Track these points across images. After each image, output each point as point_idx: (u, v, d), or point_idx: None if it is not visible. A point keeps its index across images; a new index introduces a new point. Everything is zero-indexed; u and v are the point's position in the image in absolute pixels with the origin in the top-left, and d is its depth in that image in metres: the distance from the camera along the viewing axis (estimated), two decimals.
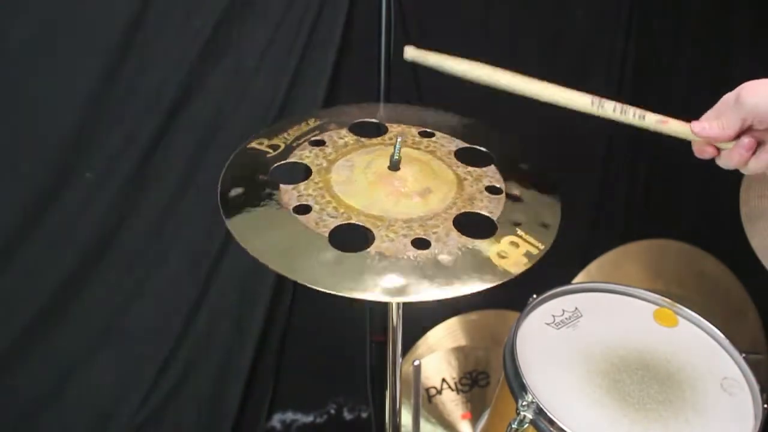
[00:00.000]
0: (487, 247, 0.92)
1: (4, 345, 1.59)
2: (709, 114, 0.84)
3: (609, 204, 2.07)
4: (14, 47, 1.43)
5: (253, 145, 1.12)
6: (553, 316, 1.13)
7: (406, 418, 1.42)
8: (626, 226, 2.08)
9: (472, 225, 0.97)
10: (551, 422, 0.95)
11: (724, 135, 0.81)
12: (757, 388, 1.03)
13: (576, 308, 1.15)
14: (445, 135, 1.15)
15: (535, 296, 1.15)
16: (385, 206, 0.98)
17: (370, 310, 1.55)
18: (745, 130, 0.81)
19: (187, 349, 1.72)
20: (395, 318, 1.13)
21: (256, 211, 0.98)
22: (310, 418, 1.98)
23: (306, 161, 1.08)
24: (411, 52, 0.99)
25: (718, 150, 0.84)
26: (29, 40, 1.43)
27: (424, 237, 0.93)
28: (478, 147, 1.12)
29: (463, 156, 1.10)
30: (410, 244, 0.92)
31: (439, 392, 1.67)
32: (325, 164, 1.07)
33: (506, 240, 0.94)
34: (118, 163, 1.55)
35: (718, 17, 1.97)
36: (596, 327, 1.12)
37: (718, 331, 1.13)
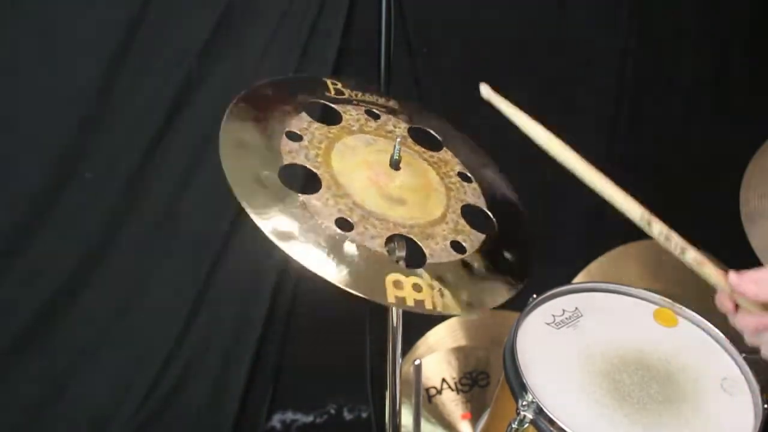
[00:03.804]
0: (392, 268, 0.88)
1: (4, 345, 1.59)
2: (751, 275, 0.83)
3: (609, 204, 2.06)
4: (14, 47, 1.43)
5: (329, 80, 1.14)
6: (553, 316, 1.13)
7: (406, 418, 1.42)
8: (626, 226, 2.07)
9: (406, 249, 0.95)
10: (551, 422, 0.95)
11: (756, 299, 0.82)
12: (757, 388, 1.03)
13: (576, 308, 1.15)
14: (477, 188, 1.10)
15: (535, 296, 1.15)
16: (355, 183, 0.97)
17: (370, 309, 1.55)
18: None
19: (187, 349, 1.72)
20: (395, 318, 1.13)
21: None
22: (310, 418, 1.98)
23: (346, 116, 1.09)
24: (486, 91, 0.93)
25: (736, 308, 0.85)
26: (29, 40, 1.43)
27: (353, 222, 0.91)
28: (485, 210, 1.07)
29: (467, 212, 1.05)
30: (335, 218, 0.91)
31: (439, 392, 1.67)
32: (355, 128, 1.08)
33: (415, 278, 0.88)
34: (118, 163, 1.55)
35: (718, 16, 1.97)
36: (596, 327, 1.12)
37: (718, 331, 1.13)
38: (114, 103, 1.50)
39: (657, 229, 0.85)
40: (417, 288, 0.87)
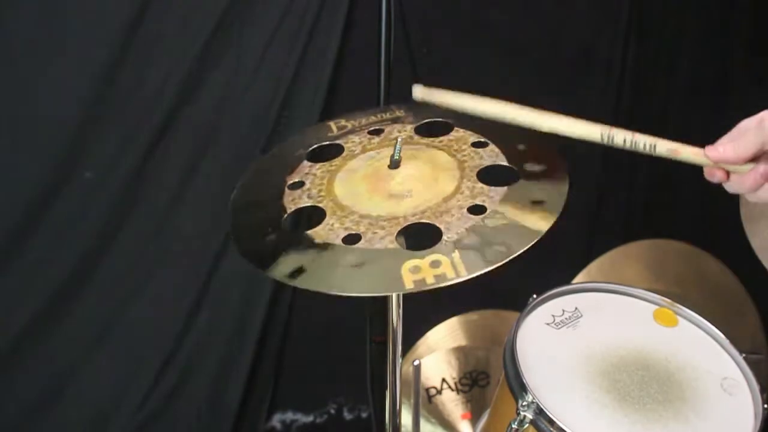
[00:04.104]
0: (407, 256, 0.88)
1: (4, 345, 1.59)
2: (724, 139, 0.82)
3: (609, 204, 2.07)
4: (14, 47, 1.43)
5: (331, 123, 1.16)
6: (553, 316, 1.13)
7: (406, 418, 1.42)
8: (626, 226, 2.08)
9: (420, 233, 0.94)
10: (551, 422, 0.95)
11: (738, 158, 0.80)
12: (757, 388, 1.03)
13: (576, 308, 1.15)
14: (494, 149, 1.08)
15: (535, 296, 1.15)
16: (358, 199, 0.99)
17: (370, 310, 1.55)
18: (758, 157, 0.80)
19: (187, 349, 1.72)
20: (395, 318, 1.13)
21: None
22: (310, 418, 1.98)
23: (347, 145, 1.10)
24: (419, 92, 0.95)
25: (728, 174, 0.83)
26: (29, 40, 1.43)
27: (360, 234, 0.92)
28: (504, 164, 1.05)
29: (485, 175, 1.04)
30: (342, 238, 0.92)
31: (439, 392, 1.67)
32: (357, 151, 1.09)
33: (432, 256, 0.88)
34: (118, 163, 1.55)
35: (717, 16, 1.97)
36: (596, 327, 1.12)
37: (718, 331, 1.13)
38: (114, 103, 1.50)
39: (621, 138, 0.83)
40: (435, 264, 0.87)
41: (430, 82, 1.80)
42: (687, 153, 0.83)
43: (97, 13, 1.45)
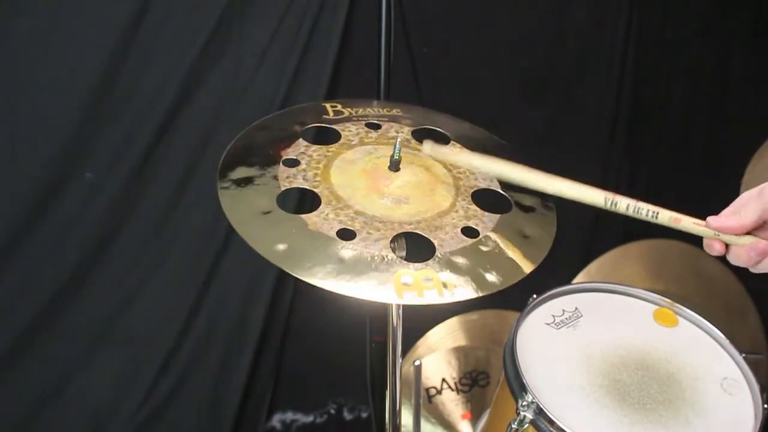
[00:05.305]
0: (398, 267, 0.88)
1: (4, 345, 1.59)
2: (727, 210, 0.84)
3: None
4: (15, 47, 1.43)
5: (327, 105, 1.15)
6: (553, 316, 1.13)
7: (406, 418, 1.42)
8: (626, 226, 2.08)
9: (412, 245, 0.94)
10: (551, 422, 0.95)
11: (740, 225, 0.82)
12: (757, 388, 1.03)
13: (576, 308, 1.15)
14: (487, 178, 1.08)
15: (535, 296, 1.15)
16: (355, 193, 0.98)
17: (370, 309, 1.55)
18: (758, 228, 0.82)
19: (187, 349, 1.72)
20: (395, 318, 1.13)
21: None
22: (310, 418, 1.98)
23: (344, 132, 1.09)
24: (428, 148, 0.97)
25: (727, 247, 0.84)
26: (29, 40, 1.43)
27: (355, 231, 0.92)
28: (498, 190, 1.06)
29: (479, 197, 1.04)
30: (337, 230, 0.91)
31: (439, 392, 1.67)
32: (355, 141, 1.08)
33: (424, 271, 0.88)
34: (118, 163, 1.55)
35: (717, 17, 1.97)
36: (596, 327, 1.12)
37: (718, 331, 1.13)
38: (114, 103, 1.50)
39: (624, 205, 0.86)
40: (427, 280, 0.87)
41: (431, 82, 1.80)
42: (688, 223, 0.85)
43: (97, 12, 1.45)
